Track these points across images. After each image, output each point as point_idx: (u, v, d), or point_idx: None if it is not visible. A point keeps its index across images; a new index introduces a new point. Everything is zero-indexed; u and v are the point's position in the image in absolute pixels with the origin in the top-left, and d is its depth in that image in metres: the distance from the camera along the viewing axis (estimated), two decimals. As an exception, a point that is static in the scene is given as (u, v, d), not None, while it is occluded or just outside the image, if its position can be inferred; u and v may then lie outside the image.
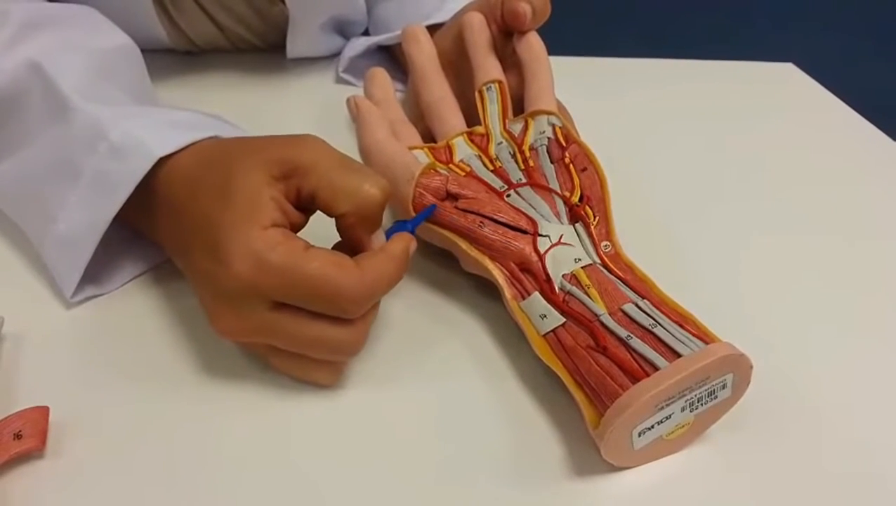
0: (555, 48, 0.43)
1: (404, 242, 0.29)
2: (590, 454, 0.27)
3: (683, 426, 0.27)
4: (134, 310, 0.33)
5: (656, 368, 0.25)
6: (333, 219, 0.29)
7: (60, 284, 0.33)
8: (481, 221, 0.32)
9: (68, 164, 0.32)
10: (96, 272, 0.33)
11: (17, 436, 0.26)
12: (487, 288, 0.32)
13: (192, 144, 0.31)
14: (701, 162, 0.49)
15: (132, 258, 0.35)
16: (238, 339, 0.29)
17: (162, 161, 0.30)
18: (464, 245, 0.32)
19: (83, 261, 0.32)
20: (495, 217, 0.32)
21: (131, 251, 0.35)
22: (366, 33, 0.59)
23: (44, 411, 0.27)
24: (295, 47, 0.55)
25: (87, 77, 0.35)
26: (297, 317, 0.27)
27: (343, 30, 0.58)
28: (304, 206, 0.29)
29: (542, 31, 0.39)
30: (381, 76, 0.41)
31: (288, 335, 0.27)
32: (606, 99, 0.54)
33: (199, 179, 0.29)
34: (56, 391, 0.28)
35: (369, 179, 0.28)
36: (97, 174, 0.31)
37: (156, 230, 0.32)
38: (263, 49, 0.58)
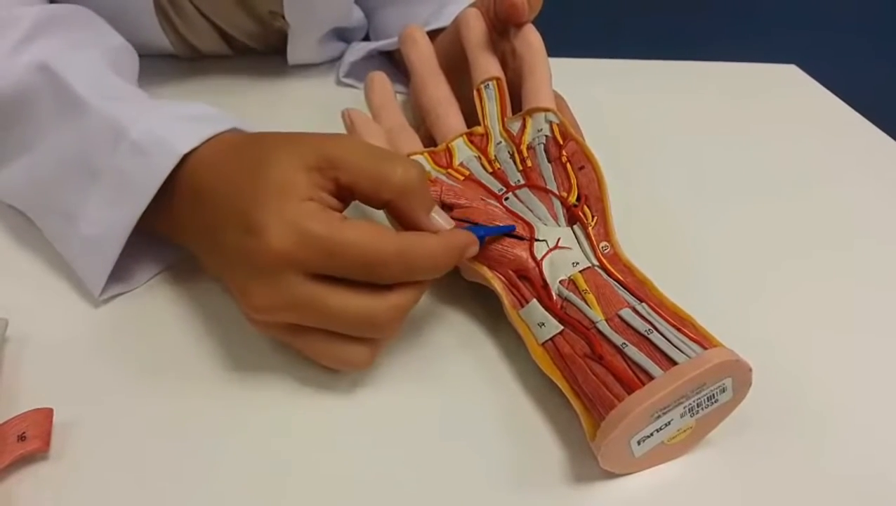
0: (557, 50, 0.43)
1: (463, 237, 0.29)
2: (591, 460, 0.27)
3: (685, 431, 0.26)
4: (139, 311, 0.33)
5: (651, 377, 0.25)
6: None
7: (87, 284, 0.33)
8: None
9: (86, 163, 0.32)
10: (119, 270, 0.33)
11: (22, 437, 0.26)
12: (488, 293, 0.32)
13: (215, 136, 0.30)
14: (703, 163, 0.49)
15: (152, 255, 0.35)
16: (271, 316, 0.27)
17: (184, 156, 0.30)
18: None
19: (110, 262, 0.32)
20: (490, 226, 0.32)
21: (151, 248, 0.35)
22: (366, 38, 0.59)
23: (48, 413, 0.27)
24: (295, 56, 0.55)
25: (99, 73, 0.35)
26: (334, 288, 0.26)
27: (343, 35, 0.58)
28: (341, 197, 0.28)
29: (545, 33, 0.39)
30: (379, 81, 0.41)
31: (324, 308, 0.26)
32: (609, 101, 0.54)
33: (228, 162, 0.29)
34: (60, 393, 0.29)
35: (401, 162, 0.28)
36: (119, 174, 0.31)
37: (175, 223, 0.32)
38: (265, 53, 0.58)
